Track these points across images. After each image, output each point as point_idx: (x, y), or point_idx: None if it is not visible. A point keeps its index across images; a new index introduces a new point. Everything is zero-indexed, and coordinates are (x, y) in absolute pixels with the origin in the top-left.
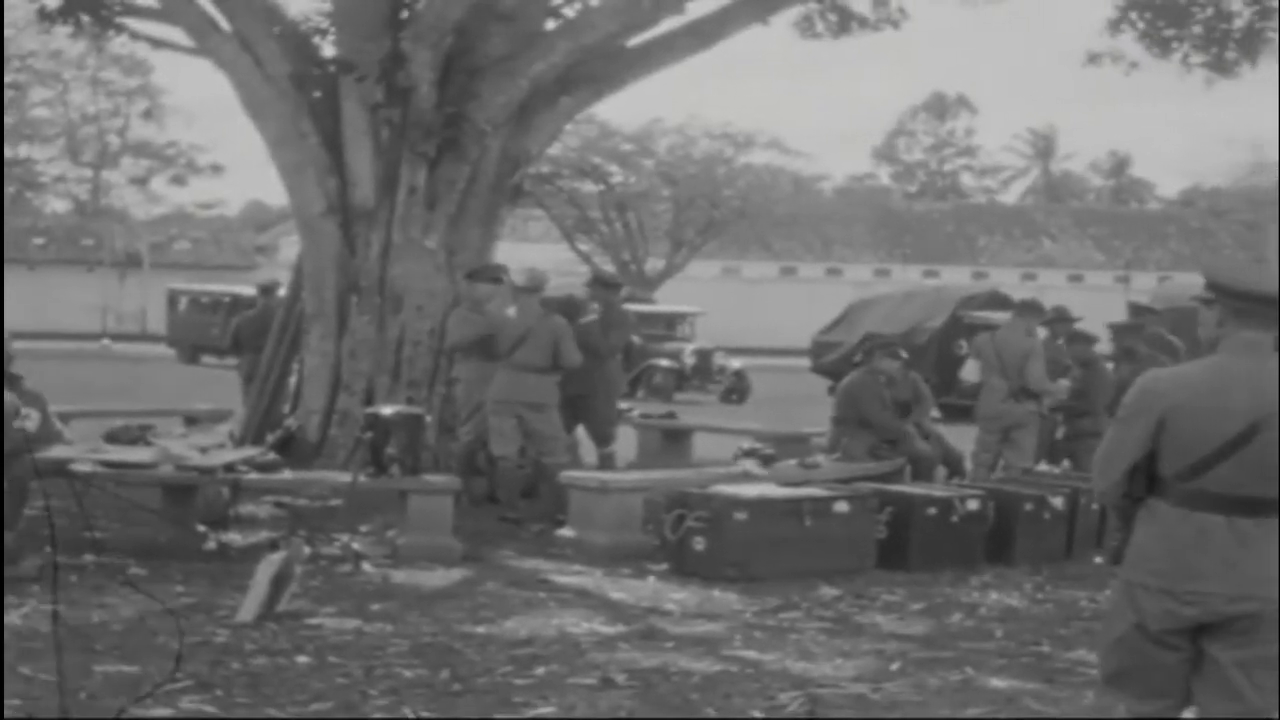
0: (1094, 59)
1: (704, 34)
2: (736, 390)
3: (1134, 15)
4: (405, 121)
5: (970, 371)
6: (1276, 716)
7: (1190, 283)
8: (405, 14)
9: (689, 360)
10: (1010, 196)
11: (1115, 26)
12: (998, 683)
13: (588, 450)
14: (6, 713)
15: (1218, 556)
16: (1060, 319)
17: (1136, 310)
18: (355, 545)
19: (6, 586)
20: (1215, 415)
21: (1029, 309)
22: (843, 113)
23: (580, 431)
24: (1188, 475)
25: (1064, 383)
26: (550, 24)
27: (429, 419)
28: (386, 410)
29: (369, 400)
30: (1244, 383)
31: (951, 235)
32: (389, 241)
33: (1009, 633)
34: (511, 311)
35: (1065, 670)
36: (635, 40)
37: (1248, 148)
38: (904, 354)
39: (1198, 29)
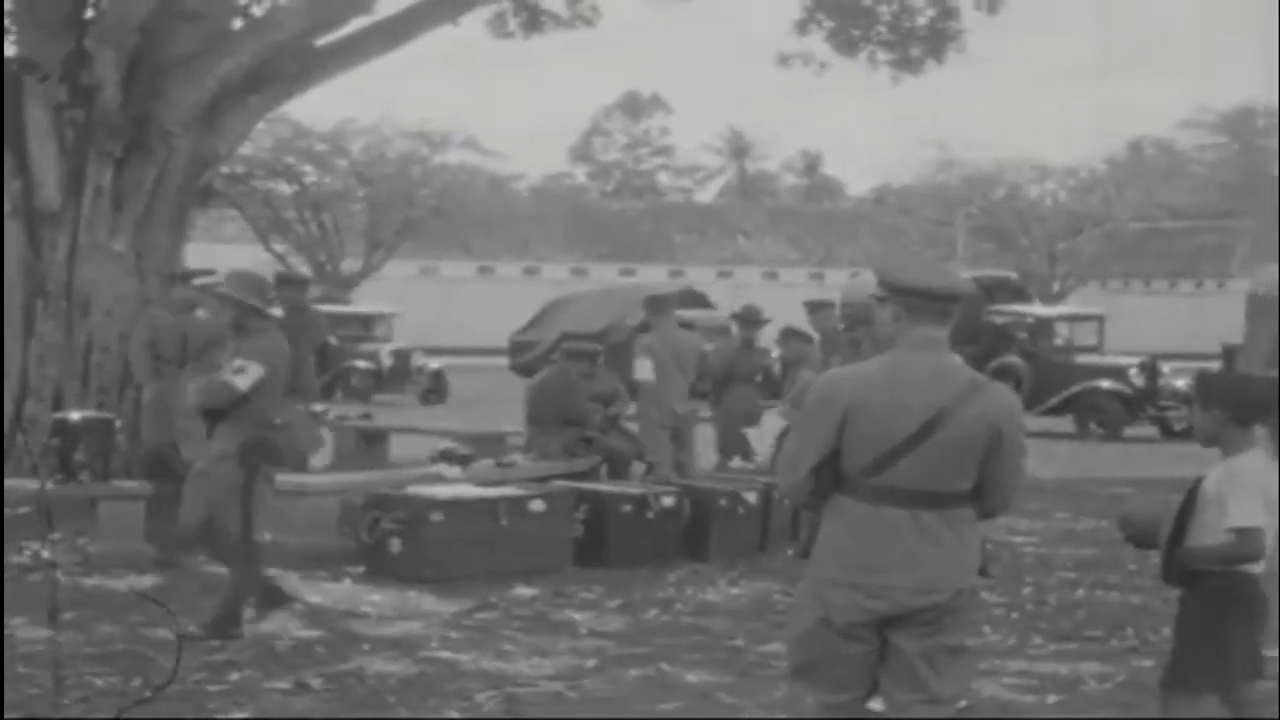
0: (785, 60)
1: (394, 34)
2: (435, 390)
3: (821, 16)
4: (90, 122)
5: (643, 370)
6: (959, 705)
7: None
8: (89, 13)
9: (387, 361)
10: (706, 195)
11: (803, 27)
12: (692, 677)
13: None
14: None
15: (902, 550)
16: (748, 318)
17: (813, 306)
18: (45, 553)
19: None
20: (895, 412)
21: (662, 304)
22: (537, 113)
23: None
24: (871, 471)
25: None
26: (238, 23)
27: (119, 424)
28: (75, 416)
29: (57, 406)
30: (922, 379)
31: (648, 234)
32: (75, 244)
33: (704, 627)
34: (201, 313)
35: (758, 664)
36: (325, 39)
37: (934, 146)
38: (600, 349)
39: (883, 29)
